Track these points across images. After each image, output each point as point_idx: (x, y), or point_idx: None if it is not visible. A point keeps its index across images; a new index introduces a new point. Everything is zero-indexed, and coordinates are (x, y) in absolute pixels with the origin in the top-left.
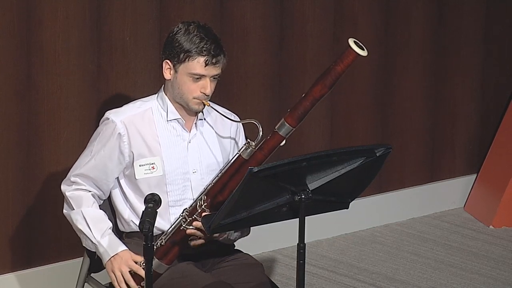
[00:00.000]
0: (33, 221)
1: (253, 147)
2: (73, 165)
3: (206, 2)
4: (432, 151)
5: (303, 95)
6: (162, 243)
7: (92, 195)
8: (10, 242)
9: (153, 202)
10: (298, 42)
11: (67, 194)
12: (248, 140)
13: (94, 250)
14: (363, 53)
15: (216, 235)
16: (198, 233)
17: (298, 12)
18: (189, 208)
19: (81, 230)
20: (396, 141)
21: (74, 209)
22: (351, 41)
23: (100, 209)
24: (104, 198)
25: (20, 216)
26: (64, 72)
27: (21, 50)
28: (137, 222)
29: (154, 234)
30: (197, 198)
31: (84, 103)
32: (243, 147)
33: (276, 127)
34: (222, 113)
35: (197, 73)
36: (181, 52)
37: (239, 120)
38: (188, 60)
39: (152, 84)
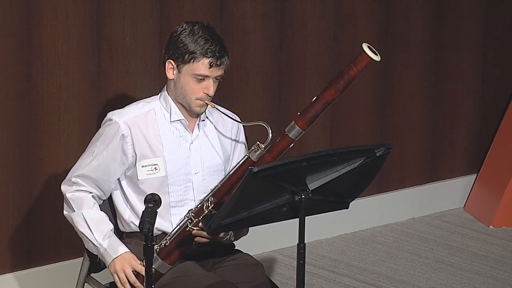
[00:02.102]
0: (33, 221)
1: (262, 149)
2: (73, 165)
3: (206, 2)
4: (432, 151)
5: (314, 98)
6: (167, 244)
7: (93, 196)
8: (10, 242)
9: (153, 202)
10: (298, 42)
11: (68, 195)
12: (258, 142)
13: (96, 253)
14: (377, 58)
15: (221, 235)
16: (204, 233)
17: (298, 12)
18: (195, 209)
19: (82, 233)
20: (396, 141)
21: (74, 211)
22: (365, 46)
23: (101, 210)
24: (105, 199)
25: (20, 216)
26: (64, 72)
27: (21, 50)
28: (137, 223)
29: (154, 235)
30: (203, 199)
31: (84, 103)
32: (252, 149)
33: (286, 130)
34: (228, 114)
35: (201, 74)
36: (185, 53)
37: (245, 122)
38: (193, 61)
39: (152, 84)
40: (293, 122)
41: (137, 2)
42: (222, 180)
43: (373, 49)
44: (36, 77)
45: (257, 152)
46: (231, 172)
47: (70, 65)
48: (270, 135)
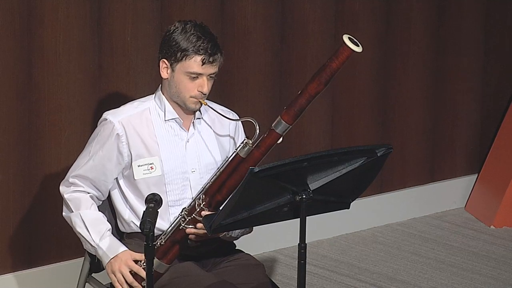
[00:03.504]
0: (33, 221)
1: (250, 146)
2: (71, 165)
3: (207, 2)
4: (433, 151)
5: (299, 92)
6: (162, 243)
7: (91, 196)
8: (10, 242)
9: (154, 202)
10: (299, 42)
11: (66, 196)
12: (246, 138)
13: (94, 254)
14: (358, 49)
15: None
16: (198, 231)
17: (299, 12)
18: (187, 207)
19: (80, 233)
20: (397, 141)
21: (72, 212)
22: (345, 38)
23: (100, 210)
24: (103, 199)
25: (20, 216)
26: (65, 72)
27: (22, 50)
28: (137, 223)
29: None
30: (195, 197)
31: (85, 103)
32: (240, 145)
33: (272, 125)
34: (220, 111)
35: (194, 71)
36: (178, 51)
37: (236, 118)
38: (185, 59)
39: (153, 84)
40: (279, 117)
41: (138, 2)
42: (212, 177)
43: (355, 40)
44: (37, 77)
45: (246, 149)
46: (221, 169)
47: (71, 65)
48: (258, 131)
